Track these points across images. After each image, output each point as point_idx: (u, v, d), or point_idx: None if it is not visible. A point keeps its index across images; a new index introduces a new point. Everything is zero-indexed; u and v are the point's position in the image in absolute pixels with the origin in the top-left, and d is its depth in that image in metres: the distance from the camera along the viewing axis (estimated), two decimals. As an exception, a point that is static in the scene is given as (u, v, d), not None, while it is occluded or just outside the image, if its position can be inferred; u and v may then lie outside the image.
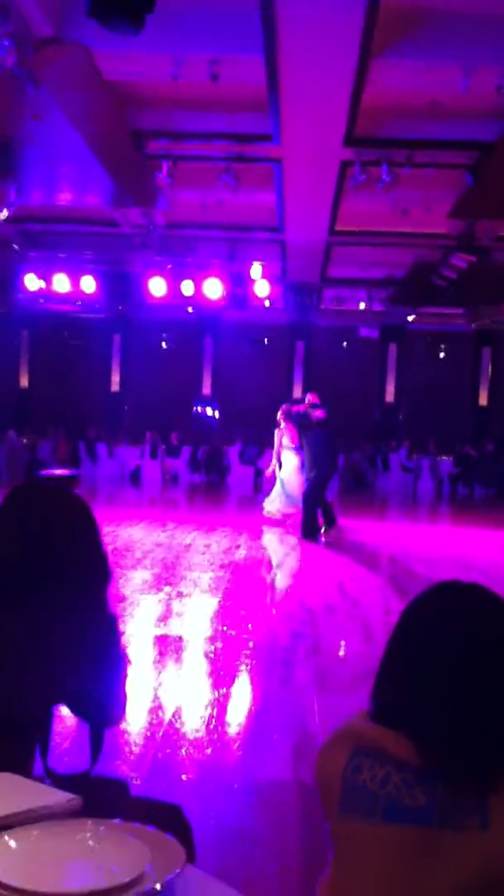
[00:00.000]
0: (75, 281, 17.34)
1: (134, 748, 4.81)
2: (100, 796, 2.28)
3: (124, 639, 7.02)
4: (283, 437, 13.72)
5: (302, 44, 7.42)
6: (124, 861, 1.35)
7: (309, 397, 13.25)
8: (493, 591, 1.71)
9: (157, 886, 1.28)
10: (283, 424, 13.62)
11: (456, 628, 1.64)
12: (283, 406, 13.88)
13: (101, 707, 2.27)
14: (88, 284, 17.40)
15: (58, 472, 17.97)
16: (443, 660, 1.62)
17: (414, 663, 1.66)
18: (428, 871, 1.54)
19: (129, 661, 2.32)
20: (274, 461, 14.03)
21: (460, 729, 1.58)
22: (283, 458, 13.91)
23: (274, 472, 14.00)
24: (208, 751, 4.84)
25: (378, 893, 1.58)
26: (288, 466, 13.78)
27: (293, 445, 13.57)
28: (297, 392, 21.75)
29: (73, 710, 2.28)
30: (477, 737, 1.58)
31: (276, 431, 13.78)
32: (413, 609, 1.71)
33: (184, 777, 4.48)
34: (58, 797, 1.71)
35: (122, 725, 5.08)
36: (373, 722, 1.67)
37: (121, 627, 2.27)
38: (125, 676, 2.31)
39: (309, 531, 12.62)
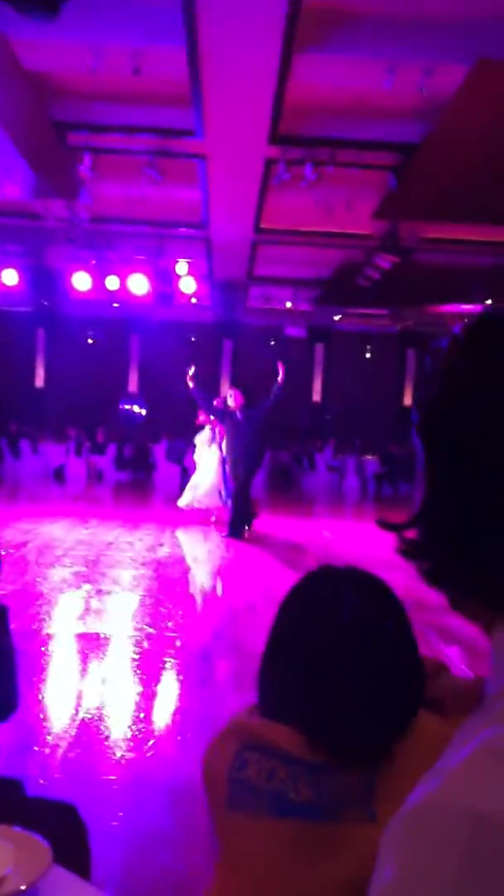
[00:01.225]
0: (-3, 274, 17.06)
1: (45, 748, 4.72)
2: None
3: (41, 636, 6.93)
4: (204, 433, 13.85)
5: (224, 37, 7.36)
6: (-16, 863, 1.29)
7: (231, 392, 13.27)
8: (369, 572, 1.68)
9: (22, 888, 1.22)
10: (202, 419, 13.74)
11: (334, 613, 1.61)
12: (219, 399, 13.96)
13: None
14: (11, 277, 17.11)
15: None
16: (323, 645, 1.59)
17: (294, 652, 1.62)
18: (313, 865, 1.51)
19: (17, 653, 2.23)
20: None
21: (344, 714, 1.56)
22: (201, 455, 14.05)
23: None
24: (121, 750, 4.77)
25: (261, 889, 1.54)
26: (206, 462, 13.89)
27: (211, 440, 13.73)
28: (223, 391, 21.73)
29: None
30: (361, 720, 1.55)
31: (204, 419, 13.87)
32: (290, 598, 1.68)
33: (98, 776, 4.41)
34: None
35: (41, 723, 4.99)
36: (260, 716, 1.63)
37: (10, 620, 2.19)
38: (15, 669, 2.24)
39: (235, 529, 12.59)
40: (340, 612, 1.61)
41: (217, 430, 13.68)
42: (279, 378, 12.31)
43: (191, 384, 12.86)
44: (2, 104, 8.67)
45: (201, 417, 14.30)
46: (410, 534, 0.84)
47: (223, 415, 12.89)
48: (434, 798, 0.69)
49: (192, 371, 12.85)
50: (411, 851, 0.68)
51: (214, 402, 13.51)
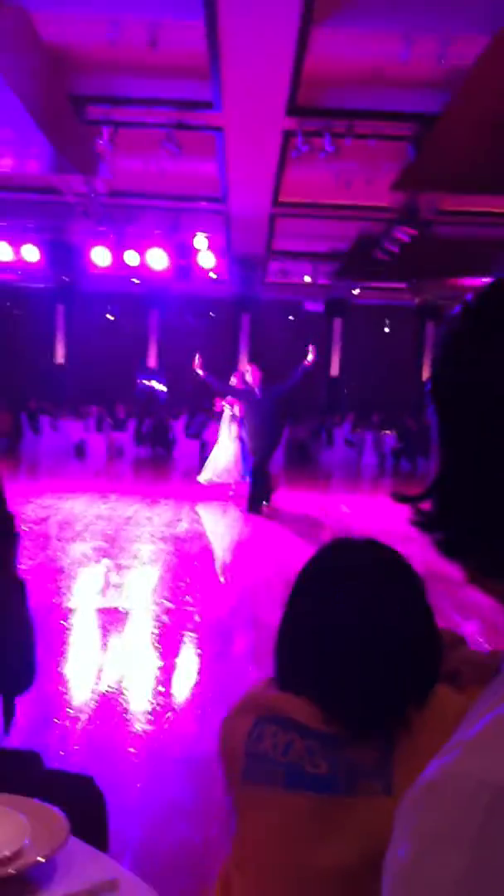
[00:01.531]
0: (17, 249, 17.03)
1: (65, 721, 4.76)
2: (9, 769, 2.24)
3: (61, 610, 6.97)
4: (233, 406, 13.79)
5: (242, 9, 7.29)
6: (1, 835, 1.29)
7: (249, 368, 13.24)
8: (386, 544, 1.68)
9: (40, 860, 1.23)
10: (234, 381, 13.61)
11: (350, 585, 1.61)
12: (237, 374, 13.93)
13: (10, 674, 2.21)
14: (31, 253, 17.10)
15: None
16: (339, 617, 1.59)
17: (310, 624, 1.62)
18: (328, 838, 1.51)
19: (35, 626, 2.25)
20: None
21: (359, 685, 1.56)
22: (223, 429, 14.03)
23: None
24: (140, 723, 4.80)
25: (277, 861, 1.55)
26: (225, 437, 13.91)
27: (231, 418, 13.71)
28: (242, 365, 21.69)
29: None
30: (376, 692, 1.55)
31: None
32: (306, 570, 1.67)
33: (117, 749, 4.44)
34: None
35: (61, 696, 5.03)
36: (277, 689, 1.64)
37: (28, 593, 2.20)
38: (34, 642, 2.25)
39: (254, 504, 12.60)
40: (356, 584, 1.60)
41: (236, 406, 13.65)
42: (309, 359, 12.25)
43: (200, 372, 12.82)
44: (21, 78, 8.63)
45: (218, 405, 14.32)
46: (425, 506, 0.84)
47: (241, 393, 12.87)
48: (450, 770, 0.69)
49: (198, 360, 12.79)
50: (427, 823, 0.68)
51: (232, 380, 13.49)
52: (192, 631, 6.73)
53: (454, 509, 0.81)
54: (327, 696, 1.56)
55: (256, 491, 12.65)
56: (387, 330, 25.90)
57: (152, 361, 25.11)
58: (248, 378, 12.77)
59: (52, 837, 1.30)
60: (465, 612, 6.88)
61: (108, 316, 25.38)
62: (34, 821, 1.34)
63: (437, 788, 0.69)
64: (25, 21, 7.89)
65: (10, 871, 1.22)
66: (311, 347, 12.22)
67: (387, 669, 1.56)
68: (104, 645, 6.36)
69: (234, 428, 13.73)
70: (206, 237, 16.65)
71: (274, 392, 12.50)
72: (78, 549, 9.60)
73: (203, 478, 14.21)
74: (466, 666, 1.69)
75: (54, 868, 1.27)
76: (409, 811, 0.71)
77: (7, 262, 17.40)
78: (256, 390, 12.53)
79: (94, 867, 1.31)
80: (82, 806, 1.93)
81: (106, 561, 9.08)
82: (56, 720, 4.74)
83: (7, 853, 1.25)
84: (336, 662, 1.57)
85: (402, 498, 0.86)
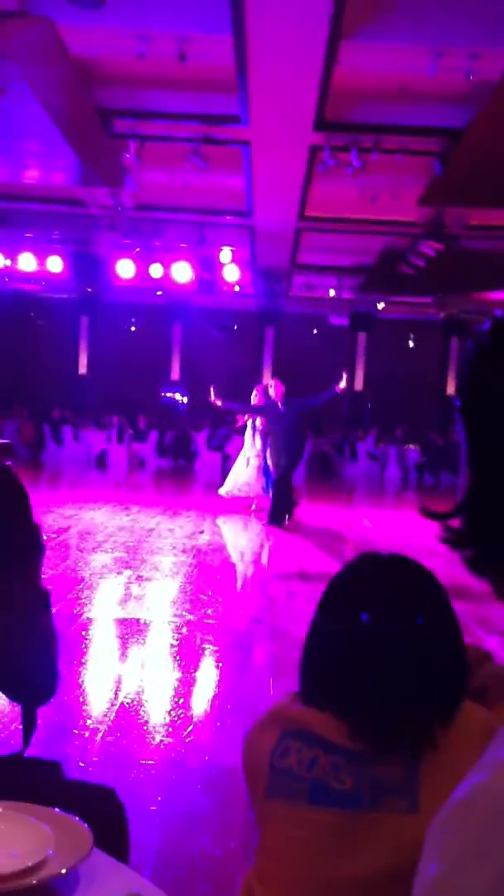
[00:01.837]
0: (42, 260, 17.14)
1: (85, 732, 4.75)
2: (30, 778, 2.23)
3: (81, 621, 6.98)
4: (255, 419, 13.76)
5: (271, 24, 7.33)
6: (26, 845, 1.29)
7: (273, 382, 13.26)
8: (412, 559, 1.67)
9: (62, 871, 1.23)
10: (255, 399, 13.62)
11: (379, 600, 1.60)
12: (259, 387, 13.93)
13: (32, 685, 2.20)
14: (55, 264, 17.20)
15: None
16: (366, 634, 1.58)
17: (336, 640, 1.61)
18: (352, 854, 1.50)
19: (59, 637, 2.25)
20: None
21: (385, 702, 1.54)
22: (246, 443, 14.00)
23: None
24: (160, 735, 4.79)
25: (300, 876, 1.54)
26: (248, 450, 13.88)
27: (253, 431, 13.70)
28: (266, 379, 21.70)
29: (1, 688, 2.21)
30: (402, 709, 1.54)
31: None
32: (334, 584, 1.67)
33: (136, 760, 4.43)
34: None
35: (81, 707, 5.03)
36: (302, 703, 1.63)
37: (52, 603, 2.20)
38: (57, 653, 2.24)
39: (276, 517, 12.58)
40: (383, 600, 1.59)
41: (258, 419, 13.64)
42: (341, 385, 12.29)
43: (219, 403, 12.93)
44: (49, 90, 8.70)
45: (241, 420, 14.35)
46: (454, 522, 0.83)
47: (264, 409, 12.90)
48: (481, 789, 0.68)
49: (212, 392, 12.91)
50: (458, 841, 0.67)
51: (254, 394, 13.50)
52: (212, 643, 6.72)
53: (484, 526, 0.80)
54: (353, 713, 1.55)
55: (279, 504, 12.64)
56: (411, 344, 25.85)
57: (175, 374, 25.17)
58: (272, 392, 12.79)
59: (76, 849, 1.29)
60: (487, 627, 6.84)
61: (132, 327, 25.47)
62: (58, 831, 1.33)
63: (469, 806, 0.68)
64: (53, 34, 7.94)
65: (33, 881, 1.21)
66: (344, 374, 12.24)
67: (414, 686, 1.55)
68: (124, 656, 6.36)
69: (258, 441, 13.70)
70: (231, 250, 16.70)
71: (296, 405, 12.52)
72: (99, 559, 9.62)
73: (224, 490, 14.21)
74: (494, 682, 1.68)
75: (76, 880, 1.27)
76: (440, 830, 0.70)
77: (31, 273, 17.52)
78: (279, 404, 12.54)
79: (117, 879, 1.31)
80: (103, 817, 1.92)
81: (127, 572, 9.08)
82: (75, 731, 4.74)
83: (30, 863, 1.25)
84: (362, 679, 1.56)
85: (430, 514, 0.86)
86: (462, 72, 8.20)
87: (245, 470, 13.95)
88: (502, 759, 0.69)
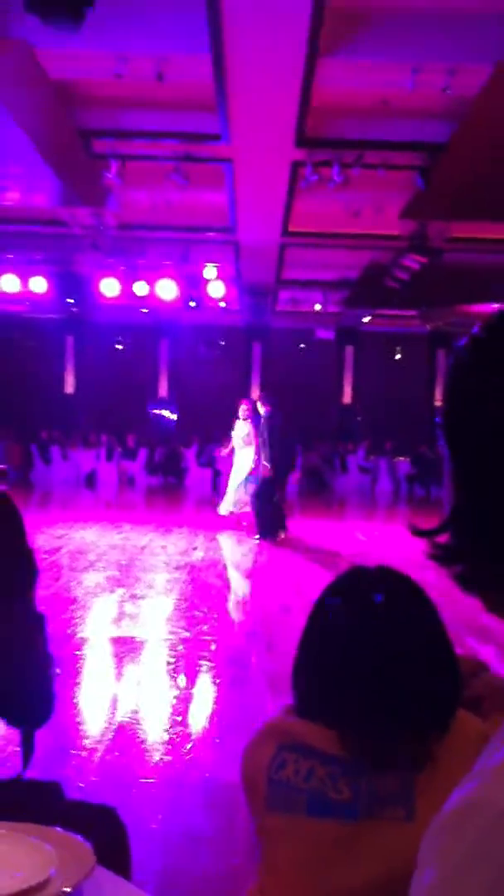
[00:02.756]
0: (25, 281, 17.14)
1: (82, 752, 4.75)
2: (31, 800, 2.24)
3: (76, 640, 6.97)
4: (243, 431, 13.73)
5: (249, 42, 7.38)
6: (28, 865, 1.30)
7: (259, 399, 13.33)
8: (400, 572, 1.68)
9: (66, 890, 1.23)
10: (244, 417, 13.64)
11: (366, 613, 1.62)
12: (246, 401, 13.96)
13: (29, 708, 2.21)
14: (39, 284, 17.21)
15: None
16: (356, 645, 1.60)
17: (328, 652, 1.63)
18: (352, 864, 1.51)
19: (55, 660, 2.26)
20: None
21: (377, 713, 1.56)
22: (237, 456, 13.96)
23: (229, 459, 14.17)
24: (159, 753, 4.78)
25: (299, 887, 1.55)
26: (240, 464, 13.84)
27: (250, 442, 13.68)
28: (254, 394, 21.72)
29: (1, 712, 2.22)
30: (395, 719, 1.55)
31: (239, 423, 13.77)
32: (323, 599, 1.68)
33: (136, 779, 4.42)
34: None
35: (78, 727, 5.02)
36: (296, 716, 1.64)
37: (47, 627, 2.21)
38: (52, 676, 2.25)
39: (265, 529, 12.57)
40: (372, 613, 1.61)
41: (248, 427, 13.62)
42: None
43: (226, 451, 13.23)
44: (28, 113, 8.74)
45: (227, 443, 14.46)
46: (442, 538, 0.83)
47: (257, 428, 12.97)
48: (473, 798, 0.69)
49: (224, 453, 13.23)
50: (451, 852, 0.68)
51: (241, 408, 13.56)
52: (208, 659, 6.72)
53: (470, 543, 0.81)
54: (347, 724, 1.57)
55: (261, 517, 12.63)
56: (398, 357, 25.94)
57: (163, 390, 25.18)
58: (260, 409, 12.83)
59: (79, 867, 1.30)
60: (481, 637, 6.85)
61: (118, 346, 25.48)
62: (60, 850, 1.34)
63: (461, 816, 0.69)
64: (30, 56, 7.97)
65: (37, 901, 1.22)
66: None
67: (406, 697, 1.57)
68: (120, 675, 6.35)
69: (251, 453, 13.61)
70: (216, 267, 16.76)
71: (278, 418, 12.60)
72: (92, 578, 9.60)
73: (223, 509, 14.10)
74: (489, 692, 1.69)
75: (80, 898, 1.28)
76: (434, 839, 0.71)
77: (15, 294, 17.51)
78: (267, 419, 12.59)
79: (121, 896, 1.32)
80: (105, 837, 1.93)
81: (120, 590, 9.07)
82: (73, 751, 4.73)
83: (33, 883, 1.25)
84: (355, 691, 1.58)
85: (418, 532, 0.86)
86: (440, 87, 8.27)
87: (241, 486, 13.85)
88: (494, 767, 0.70)
